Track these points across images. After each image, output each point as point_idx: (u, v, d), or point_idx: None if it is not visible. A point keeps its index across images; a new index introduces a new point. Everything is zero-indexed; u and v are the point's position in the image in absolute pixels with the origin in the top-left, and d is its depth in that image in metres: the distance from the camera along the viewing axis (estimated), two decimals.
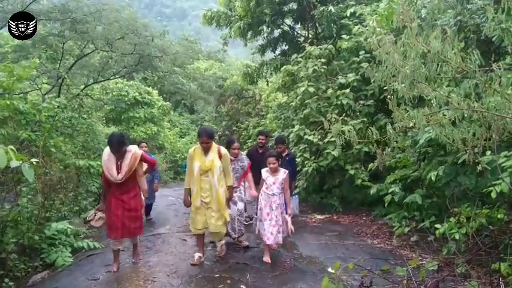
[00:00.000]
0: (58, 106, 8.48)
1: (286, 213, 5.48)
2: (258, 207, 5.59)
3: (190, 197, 5.38)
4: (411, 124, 3.46)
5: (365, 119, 8.57)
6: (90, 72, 12.80)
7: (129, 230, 5.22)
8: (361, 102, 8.89)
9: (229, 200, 5.55)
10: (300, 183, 9.19)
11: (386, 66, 3.51)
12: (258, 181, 6.15)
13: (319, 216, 8.36)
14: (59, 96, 10.58)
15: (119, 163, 5.02)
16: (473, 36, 5.35)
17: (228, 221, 5.52)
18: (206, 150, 5.21)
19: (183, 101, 24.84)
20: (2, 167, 3.11)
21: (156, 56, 12.00)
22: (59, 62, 11.19)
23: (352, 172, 8.29)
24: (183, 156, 20.29)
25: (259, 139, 7.97)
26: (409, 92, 3.43)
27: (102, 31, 10.56)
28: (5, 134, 6.86)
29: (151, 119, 20.18)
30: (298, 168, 8.71)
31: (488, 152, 4.35)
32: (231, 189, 5.47)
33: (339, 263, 3.56)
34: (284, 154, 7.23)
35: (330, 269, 3.94)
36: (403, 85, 3.41)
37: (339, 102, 8.84)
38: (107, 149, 5.06)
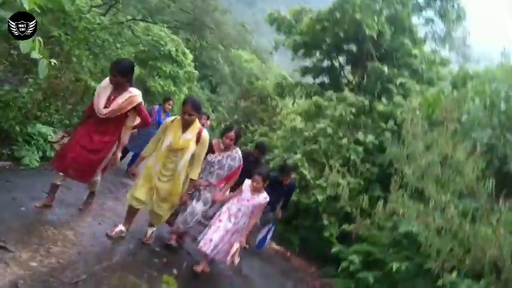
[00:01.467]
0: (99, 23, 8.51)
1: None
2: (217, 213, 4.77)
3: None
4: (401, 211, 3.46)
5: (362, 182, 8.58)
6: (143, 9, 12.83)
7: (76, 172, 4.31)
8: (368, 165, 8.91)
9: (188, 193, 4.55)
10: None
11: (407, 148, 3.52)
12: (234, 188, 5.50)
13: (274, 246, 8.35)
14: (105, 15, 10.61)
15: (112, 97, 4.24)
16: (497, 164, 5.36)
17: (182, 209, 4.73)
18: (186, 126, 4.30)
19: (210, 77, 24.90)
20: (24, 52, 3.14)
21: (209, 27, 12.04)
22: None
23: (325, 222, 8.29)
24: None
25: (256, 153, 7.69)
26: (415, 182, 3.43)
27: None
28: (40, 23, 6.88)
29: (173, 78, 20.16)
30: None
31: (455, 274, 4.35)
32: (192, 184, 4.49)
33: None
34: (285, 182, 6.75)
35: None
36: (412, 174, 3.42)
37: (347, 155, 8.86)
38: (105, 80, 4.34)
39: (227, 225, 4.57)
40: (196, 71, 22.23)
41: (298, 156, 9.30)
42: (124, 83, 4.26)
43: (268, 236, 6.94)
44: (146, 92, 18.75)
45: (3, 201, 4.05)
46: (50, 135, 6.05)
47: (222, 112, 21.02)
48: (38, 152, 5.84)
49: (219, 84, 23.37)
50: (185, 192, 4.49)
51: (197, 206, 4.75)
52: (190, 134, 4.31)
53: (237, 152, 4.95)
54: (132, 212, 4.46)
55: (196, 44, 17.19)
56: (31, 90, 5.87)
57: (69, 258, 3.48)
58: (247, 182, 4.74)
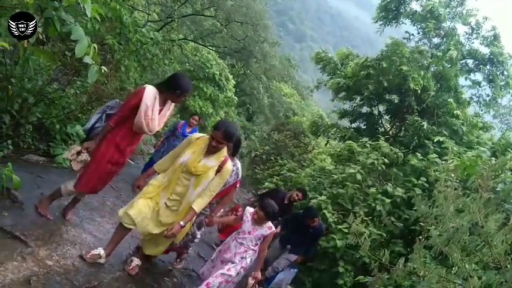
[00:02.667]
0: (152, 38, 8.80)
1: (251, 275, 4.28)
2: (217, 248, 4.46)
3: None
4: (421, 273, 3.35)
5: (385, 235, 8.38)
6: (196, 30, 13.24)
7: (103, 186, 4.12)
8: (393, 219, 8.70)
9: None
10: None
11: (436, 209, 3.44)
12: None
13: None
14: (158, 31, 11.00)
15: (160, 110, 3.88)
16: None
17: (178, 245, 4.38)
18: (211, 151, 3.71)
19: (248, 105, 25.20)
20: (78, 56, 3.27)
21: (255, 57, 12.29)
22: (178, 5, 11.63)
23: (340, 270, 8.07)
24: None
25: (296, 195, 7.46)
26: (441, 245, 3.33)
27: (229, 6, 10.93)
28: (96, 30, 7.18)
29: (213, 101, 20.53)
30: None
31: None
32: (192, 214, 3.74)
33: None
34: (312, 225, 6.60)
35: None
36: (438, 236, 3.32)
37: (373, 205, 8.69)
38: (152, 90, 3.82)
39: (228, 266, 4.05)
40: (236, 97, 22.59)
41: (323, 197, 9.19)
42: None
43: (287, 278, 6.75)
44: (184, 110, 19.14)
45: (31, 195, 4.16)
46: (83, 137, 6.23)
47: (254, 141, 21.13)
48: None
49: (255, 113, 23.62)
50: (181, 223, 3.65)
51: (196, 231, 4.50)
52: (214, 162, 3.73)
53: (236, 165, 4.31)
54: (120, 232, 3.78)
55: (241, 71, 17.51)
56: (77, 92, 6.08)
57: (83, 263, 3.51)
58: (249, 211, 4.23)
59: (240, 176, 4.42)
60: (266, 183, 14.64)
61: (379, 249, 8.23)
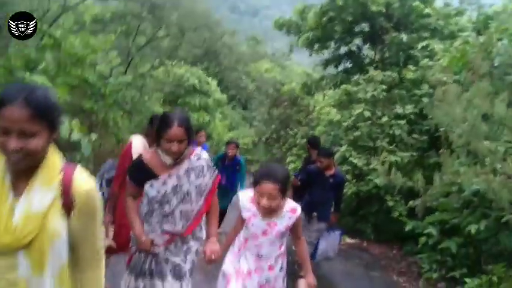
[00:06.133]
0: (122, 83, 8.92)
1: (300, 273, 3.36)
2: (220, 273, 3.01)
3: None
4: (459, 180, 3.47)
5: (415, 153, 8.48)
6: (159, 54, 13.31)
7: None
8: (415, 136, 8.78)
9: None
10: None
11: (447, 112, 3.53)
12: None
13: (349, 240, 8.35)
14: (126, 73, 11.12)
15: None
16: None
17: None
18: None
19: (238, 97, 25.26)
20: (65, 137, 3.40)
21: (222, 53, 12.33)
22: (132, 40, 11.72)
23: (391, 204, 8.21)
24: None
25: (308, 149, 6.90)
26: (465, 145, 3.44)
27: (177, 19, 10.99)
28: (71, 102, 7.32)
29: (205, 108, 20.64)
30: None
31: None
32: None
33: None
34: (329, 173, 5.30)
35: None
36: (459, 137, 3.43)
37: (391, 132, 8.78)
38: (138, 141, 3.55)
39: None
40: (223, 95, 22.65)
41: (344, 147, 9.31)
42: None
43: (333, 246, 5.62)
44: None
45: None
46: None
47: (259, 126, 21.21)
48: None
49: (248, 100, 23.67)
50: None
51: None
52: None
53: (201, 156, 2.83)
54: None
55: (216, 69, 17.57)
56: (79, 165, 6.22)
57: None
58: (245, 205, 2.83)
59: (215, 169, 2.96)
60: (288, 159, 14.75)
61: (415, 169, 8.39)
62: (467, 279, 5.00)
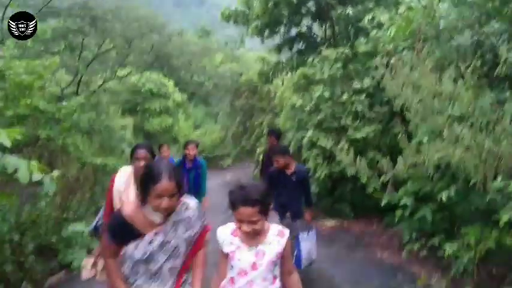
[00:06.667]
0: (76, 105, 8.65)
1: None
2: None
3: None
4: (422, 159, 3.51)
5: (379, 126, 8.58)
6: (108, 67, 12.98)
7: None
8: (376, 108, 8.88)
9: None
10: (312, 188, 9.23)
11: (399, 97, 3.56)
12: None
13: (329, 223, 8.44)
14: (77, 92, 10.81)
15: None
16: (489, 57, 5.32)
17: None
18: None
19: (197, 94, 25.00)
20: (25, 182, 3.25)
21: (174, 55, 12.11)
22: (77, 57, 11.36)
23: (364, 181, 8.30)
24: None
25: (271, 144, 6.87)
26: (422, 122, 3.47)
27: (121, 29, 10.70)
28: (25, 132, 7.04)
29: (166, 111, 20.35)
30: (310, 174, 8.70)
31: (499, 179, 4.36)
32: None
33: None
34: (290, 171, 5.11)
35: None
36: (415, 115, 3.46)
37: (353, 109, 8.85)
38: (123, 172, 3.56)
39: None
40: (183, 95, 22.36)
41: (310, 132, 9.34)
42: None
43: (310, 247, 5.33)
44: (148, 136, 19.00)
45: None
46: (83, 231, 6.22)
47: (223, 120, 21.10)
48: (82, 251, 6.03)
49: (208, 96, 23.48)
50: None
51: None
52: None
53: (189, 205, 2.59)
54: None
55: (170, 71, 17.31)
56: (47, 200, 6.03)
57: None
58: (224, 235, 2.49)
59: (204, 217, 2.69)
60: (258, 150, 14.74)
61: (382, 140, 8.50)
62: (446, 245, 5.12)
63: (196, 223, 2.56)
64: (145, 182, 2.34)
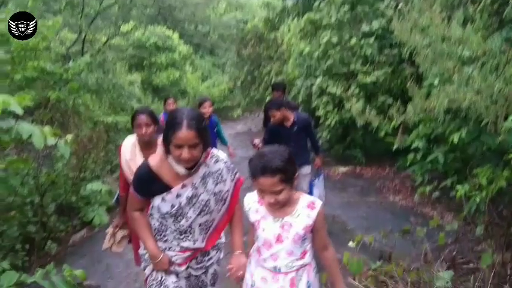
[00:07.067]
0: (83, 64, 8.60)
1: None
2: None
3: None
4: (432, 104, 3.48)
5: (389, 70, 8.45)
6: (111, 23, 12.76)
7: None
8: (386, 51, 8.70)
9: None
10: (323, 135, 9.25)
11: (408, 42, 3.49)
12: None
13: (342, 169, 8.52)
14: (82, 51, 10.71)
15: None
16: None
17: None
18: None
19: (203, 44, 24.60)
20: (40, 148, 3.32)
21: (176, 7, 11.83)
22: (80, 15, 11.15)
23: (375, 124, 8.28)
24: None
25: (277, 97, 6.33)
26: (431, 67, 3.43)
27: None
28: (35, 95, 7.08)
29: (173, 64, 20.13)
30: (321, 121, 8.70)
31: (510, 118, 4.32)
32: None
33: (359, 236, 3.75)
34: (289, 123, 4.84)
35: (350, 243, 4.13)
36: (425, 60, 3.40)
37: (362, 53, 8.68)
38: (129, 141, 3.48)
39: None
40: (188, 46, 22.02)
41: (319, 79, 9.24)
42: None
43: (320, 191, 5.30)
44: (157, 91, 18.96)
45: (103, 275, 4.38)
46: (103, 187, 6.37)
47: (231, 71, 20.87)
48: (102, 208, 6.21)
49: (214, 47, 23.12)
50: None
51: None
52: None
53: (219, 157, 2.45)
54: None
55: (174, 24, 16.98)
56: (64, 162, 6.14)
57: None
58: (250, 204, 2.32)
59: (235, 169, 2.52)
60: (267, 99, 14.64)
61: (392, 83, 8.39)
62: (458, 186, 5.16)
63: (227, 176, 2.42)
64: (166, 130, 2.17)
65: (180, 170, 2.23)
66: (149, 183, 2.29)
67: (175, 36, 20.92)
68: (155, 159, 2.32)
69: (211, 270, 2.58)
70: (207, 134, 2.26)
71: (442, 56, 3.17)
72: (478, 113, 4.16)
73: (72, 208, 6.08)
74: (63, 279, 3.53)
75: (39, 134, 3.37)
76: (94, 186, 6.40)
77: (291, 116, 4.81)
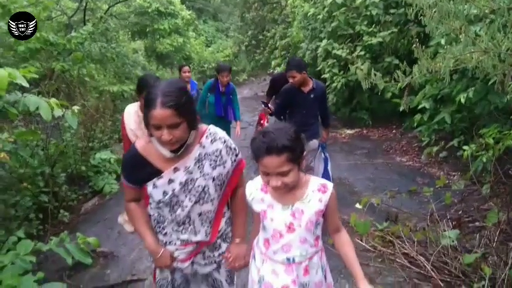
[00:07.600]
0: (86, 33, 8.53)
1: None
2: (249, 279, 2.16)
3: None
4: (438, 66, 3.43)
5: (395, 30, 8.30)
6: None
7: None
8: (391, 11, 8.53)
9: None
10: (330, 98, 9.21)
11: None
12: None
13: (349, 131, 8.52)
14: (84, 20, 10.59)
15: None
16: None
17: None
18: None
19: (207, 9, 24.21)
20: (48, 120, 3.35)
21: None
22: None
23: (381, 86, 8.20)
24: (210, 66, 20.21)
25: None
26: (438, 26, 3.37)
27: None
28: (39, 67, 7.07)
29: (176, 30, 19.88)
30: (326, 84, 8.63)
31: None
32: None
33: (366, 199, 3.80)
34: (307, 89, 4.38)
35: (357, 205, 4.19)
36: (430, 20, 3.34)
37: (368, 13, 8.52)
38: (131, 109, 3.27)
39: None
40: (191, 11, 21.69)
41: (324, 41, 9.11)
42: None
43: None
44: (161, 57, 18.82)
45: (116, 242, 4.49)
46: (111, 156, 6.46)
47: (235, 35, 20.60)
48: (112, 176, 6.30)
49: (217, 11, 22.73)
50: None
51: None
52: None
53: (216, 135, 2.10)
54: None
55: None
56: (72, 131, 6.19)
57: None
58: (253, 192, 2.02)
59: (237, 149, 2.16)
60: (273, 63, 14.55)
61: (399, 42, 8.26)
62: (465, 146, 5.16)
63: (227, 157, 2.08)
64: (144, 109, 1.87)
65: (165, 152, 1.96)
66: (138, 168, 2.01)
67: (177, 1, 20.58)
68: (142, 142, 2.05)
69: (224, 267, 2.25)
70: (192, 110, 1.92)
71: (449, 14, 3.11)
72: (485, 72, 4.10)
73: (83, 177, 6.16)
74: (77, 246, 3.67)
75: (46, 107, 3.40)
76: (103, 155, 6.50)
77: (310, 82, 4.41)
